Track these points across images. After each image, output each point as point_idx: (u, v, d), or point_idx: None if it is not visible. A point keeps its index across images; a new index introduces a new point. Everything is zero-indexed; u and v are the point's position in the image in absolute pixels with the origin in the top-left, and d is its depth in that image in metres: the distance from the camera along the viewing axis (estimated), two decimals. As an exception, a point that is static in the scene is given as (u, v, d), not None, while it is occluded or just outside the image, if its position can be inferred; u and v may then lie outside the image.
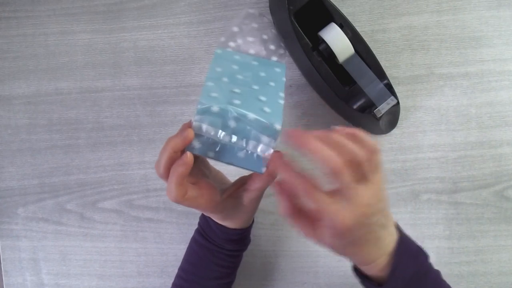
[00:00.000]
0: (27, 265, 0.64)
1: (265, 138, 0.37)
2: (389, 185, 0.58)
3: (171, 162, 0.36)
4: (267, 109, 0.38)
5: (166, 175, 0.37)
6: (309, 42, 0.50)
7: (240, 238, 0.48)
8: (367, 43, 0.51)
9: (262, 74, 0.41)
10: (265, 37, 0.45)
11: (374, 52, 0.51)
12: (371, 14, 0.58)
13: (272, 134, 0.37)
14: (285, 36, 0.52)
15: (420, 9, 0.58)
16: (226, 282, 0.50)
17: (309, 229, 0.35)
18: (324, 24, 0.50)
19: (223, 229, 0.46)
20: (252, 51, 0.43)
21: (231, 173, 0.47)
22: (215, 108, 0.37)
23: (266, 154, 0.37)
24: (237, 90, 0.39)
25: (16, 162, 0.64)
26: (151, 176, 0.62)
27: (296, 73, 0.60)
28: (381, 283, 0.37)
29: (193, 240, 0.50)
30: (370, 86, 0.50)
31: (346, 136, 0.34)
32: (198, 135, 0.37)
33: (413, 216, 0.58)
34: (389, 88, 0.51)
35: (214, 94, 0.37)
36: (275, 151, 0.38)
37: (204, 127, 0.37)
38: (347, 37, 0.49)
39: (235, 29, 0.45)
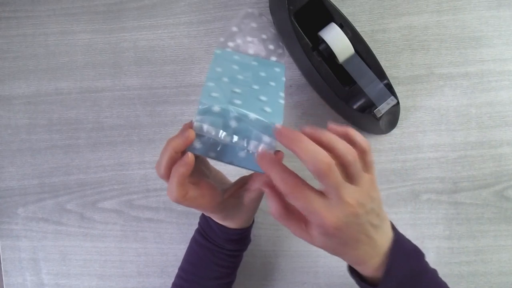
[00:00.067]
0: (27, 265, 0.64)
1: (266, 138, 0.37)
2: (389, 185, 0.58)
3: (172, 162, 0.36)
4: (267, 109, 0.38)
5: (167, 175, 0.37)
6: (309, 42, 0.50)
7: (241, 238, 0.48)
8: (367, 43, 0.51)
9: (262, 74, 0.41)
10: (264, 37, 0.45)
11: (374, 52, 0.51)
12: (371, 14, 0.58)
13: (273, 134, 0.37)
14: (285, 36, 0.52)
15: (420, 9, 0.58)
16: (226, 282, 0.50)
17: (300, 229, 0.35)
18: (324, 24, 0.50)
19: (223, 229, 0.46)
20: (251, 51, 0.43)
21: (231, 173, 0.47)
22: (216, 108, 0.37)
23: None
24: (237, 90, 0.39)
25: (16, 162, 0.64)
26: (151, 176, 0.62)
27: (296, 73, 0.60)
28: (376, 283, 0.37)
29: (193, 240, 0.50)
30: (370, 86, 0.50)
31: (338, 135, 0.33)
32: (199, 135, 0.37)
33: (413, 216, 0.58)
34: (389, 88, 0.51)
35: (214, 94, 0.38)
36: (276, 151, 0.38)
37: (205, 127, 0.37)
38: (347, 37, 0.49)
39: (235, 29, 0.45)
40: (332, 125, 0.35)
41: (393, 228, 0.38)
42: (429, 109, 0.58)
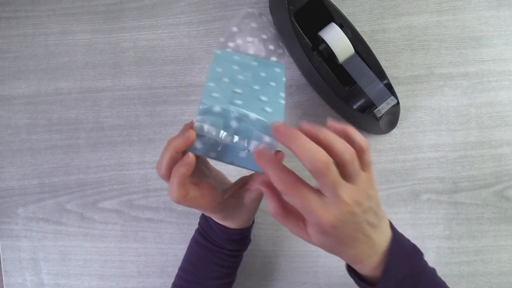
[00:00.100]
0: (27, 265, 0.64)
1: (267, 138, 0.37)
2: (389, 185, 0.58)
3: (173, 162, 0.36)
4: (268, 109, 0.38)
5: (167, 175, 0.37)
6: (309, 42, 0.50)
7: (241, 238, 0.48)
8: (367, 43, 0.51)
9: (262, 74, 0.41)
10: (264, 37, 0.45)
11: (374, 52, 0.51)
12: (371, 14, 0.58)
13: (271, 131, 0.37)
14: (285, 36, 0.52)
15: (420, 9, 0.58)
16: (227, 282, 0.50)
17: (298, 228, 0.35)
18: (324, 24, 0.50)
19: (223, 229, 0.46)
20: (251, 52, 0.43)
21: (231, 173, 0.47)
22: (217, 108, 0.37)
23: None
24: (238, 90, 0.39)
25: (16, 162, 0.64)
26: (151, 176, 0.62)
27: (296, 73, 0.60)
28: (374, 282, 0.37)
29: (193, 240, 0.50)
30: (370, 86, 0.50)
31: (337, 132, 0.33)
32: (200, 135, 0.37)
33: (413, 216, 0.58)
34: (389, 88, 0.51)
35: (215, 95, 0.38)
36: (277, 151, 0.38)
37: (206, 127, 0.37)
38: (347, 37, 0.49)
39: (234, 29, 0.45)
40: (331, 122, 0.35)
41: (392, 227, 0.38)
42: (429, 109, 0.58)
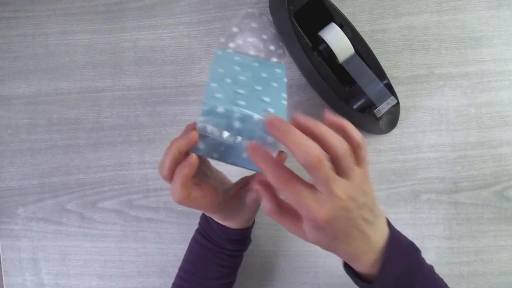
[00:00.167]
0: (27, 265, 0.64)
1: (270, 139, 0.37)
2: (389, 185, 0.58)
3: (176, 163, 0.36)
4: (271, 110, 0.38)
5: (170, 176, 0.37)
6: (309, 42, 0.50)
7: (241, 238, 0.48)
8: (367, 43, 0.51)
9: (263, 75, 0.41)
10: (264, 37, 0.45)
11: (374, 52, 0.51)
12: (371, 14, 0.58)
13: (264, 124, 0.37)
14: (285, 36, 0.52)
15: (420, 9, 0.58)
16: (227, 282, 0.50)
17: (294, 226, 0.35)
18: (324, 24, 0.50)
19: (224, 229, 0.46)
20: (252, 52, 0.43)
21: (231, 173, 0.47)
22: (220, 109, 0.37)
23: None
24: (240, 91, 0.39)
25: (16, 162, 0.64)
26: (151, 176, 0.62)
27: (296, 73, 0.60)
28: (371, 280, 0.37)
29: (194, 240, 0.50)
30: (370, 86, 0.50)
31: (333, 125, 0.33)
32: (203, 136, 0.37)
33: (413, 216, 0.58)
34: (389, 88, 0.51)
35: (218, 95, 0.37)
36: (280, 151, 0.38)
37: (209, 128, 0.37)
38: (347, 37, 0.49)
39: (235, 29, 0.45)
40: (329, 115, 0.35)
41: (389, 224, 0.38)
42: (429, 109, 0.58)
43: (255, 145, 0.33)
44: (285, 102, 0.39)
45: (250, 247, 0.52)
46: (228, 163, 0.38)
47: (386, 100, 0.50)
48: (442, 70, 0.58)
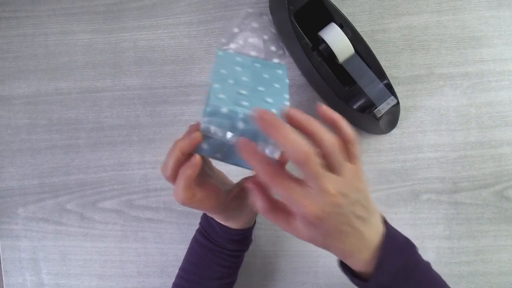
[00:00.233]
0: (27, 265, 0.64)
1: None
2: (389, 185, 0.58)
3: (179, 164, 0.36)
4: (274, 111, 0.38)
5: (173, 177, 0.37)
6: (309, 42, 0.50)
7: (242, 238, 0.48)
8: (367, 43, 0.51)
9: (265, 75, 0.41)
10: (265, 37, 0.45)
11: (374, 52, 0.51)
12: (371, 14, 0.58)
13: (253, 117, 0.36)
14: (285, 36, 0.52)
15: (420, 9, 0.58)
16: (228, 282, 0.50)
17: (287, 224, 0.34)
18: (324, 24, 0.50)
19: (225, 229, 0.46)
20: (253, 53, 0.43)
21: (231, 173, 0.47)
22: (223, 110, 0.36)
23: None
24: (243, 92, 0.38)
25: (16, 162, 0.64)
26: (151, 176, 0.62)
27: (296, 73, 0.60)
28: (367, 278, 0.37)
29: (194, 240, 0.50)
30: (370, 86, 0.50)
31: (326, 119, 0.33)
32: (206, 136, 0.37)
33: (413, 216, 0.58)
34: (389, 88, 0.51)
35: (221, 96, 0.37)
36: (282, 151, 0.37)
37: (213, 128, 0.37)
38: (347, 37, 0.49)
39: (235, 30, 0.45)
40: (322, 108, 0.34)
41: (385, 221, 0.38)
42: (429, 109, 0.58)
43: (244, 142, 0.33)
44: (288, 103, 0.39)
45: (251, 247, 0.52)
46: (230, 163, 0.38)
47: (386, 100, 0.50)
48: (442, 70, 0.58)
